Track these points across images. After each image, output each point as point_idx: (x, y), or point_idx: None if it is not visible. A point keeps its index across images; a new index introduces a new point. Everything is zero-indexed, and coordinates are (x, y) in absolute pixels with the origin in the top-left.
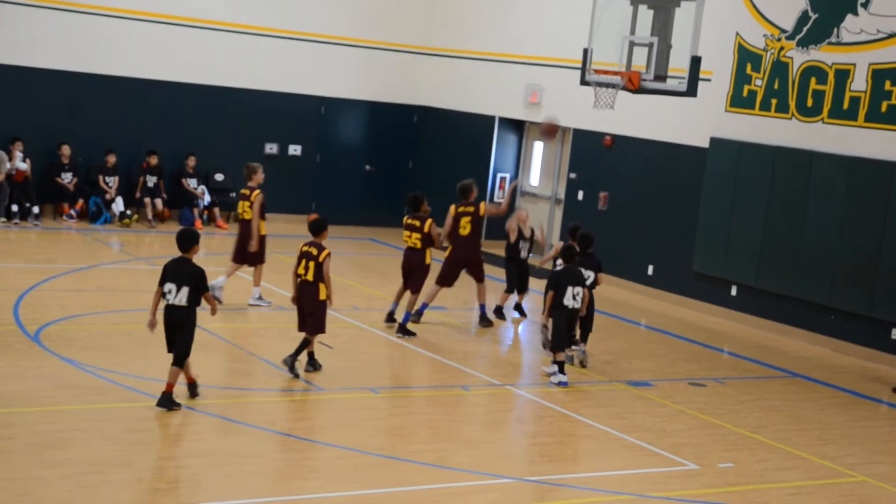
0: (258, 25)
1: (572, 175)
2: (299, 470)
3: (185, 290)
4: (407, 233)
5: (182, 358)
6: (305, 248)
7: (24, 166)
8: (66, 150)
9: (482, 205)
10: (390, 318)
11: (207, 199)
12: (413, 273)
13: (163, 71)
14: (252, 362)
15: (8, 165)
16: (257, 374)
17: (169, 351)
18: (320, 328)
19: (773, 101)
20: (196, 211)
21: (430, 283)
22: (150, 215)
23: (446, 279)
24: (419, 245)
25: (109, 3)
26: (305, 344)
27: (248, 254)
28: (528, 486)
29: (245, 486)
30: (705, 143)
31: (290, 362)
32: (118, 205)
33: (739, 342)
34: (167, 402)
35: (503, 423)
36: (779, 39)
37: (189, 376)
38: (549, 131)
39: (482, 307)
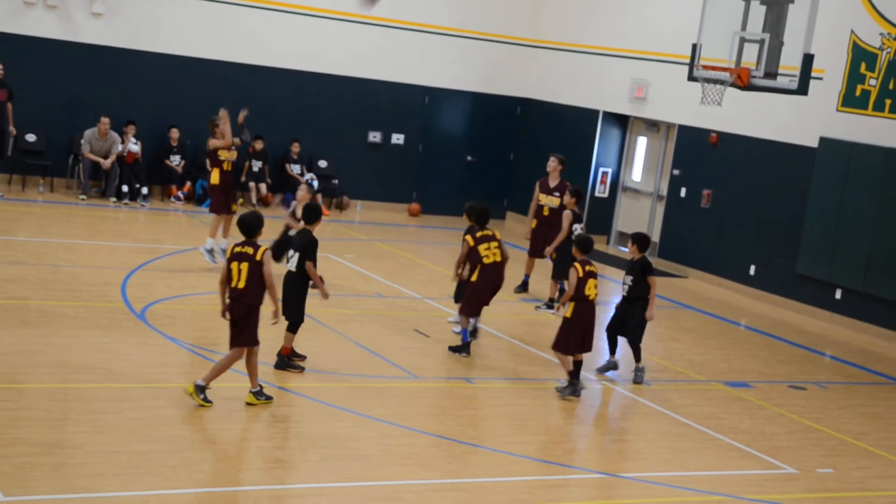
0: (365, 14)
1: (675, 171)
2: (393, 456)
3: (295, 256)
4: (485, 245)
5: (295, 324)
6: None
7: (136, 148)
8: (175, 133)
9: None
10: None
11: (315, 184)
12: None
13: (269, 57)
14: (349, 347)
15: (120, 147)
16: (353, 360)
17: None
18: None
19: (888, 102)
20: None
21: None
22: (254, 199)
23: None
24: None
25: None
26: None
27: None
28: (622, 483)
29: (340, 471)
30: (814, 143)
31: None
32: None
33: (843, 346)
34: (283, 363)
35: (598, 418)
36: (895, 38)
37: (286, 347)
38: None
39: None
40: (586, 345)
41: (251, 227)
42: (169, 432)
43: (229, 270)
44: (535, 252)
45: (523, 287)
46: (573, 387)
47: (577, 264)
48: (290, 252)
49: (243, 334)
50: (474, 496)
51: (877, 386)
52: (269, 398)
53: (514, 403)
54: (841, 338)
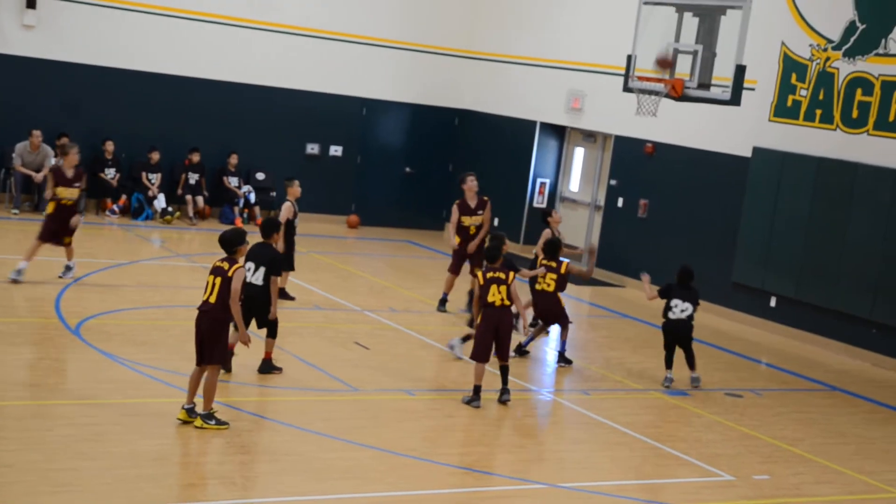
0: (302, 26)
1: (612, 182)
2: (333, 470)
3: (261, 270)
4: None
5: (274, 330)
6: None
7: None
8: (109, 146)
9: (522, 271)
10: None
11: (252, 197)
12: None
13: (207, 70)
14: (288, 361)
15: (52, 160)
16: (293, 373)
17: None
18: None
19: (818, 112)
20: (236, 209)
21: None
22: (191, 212)
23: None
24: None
25: (155, 0)
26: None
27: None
28: (561, 493)
29: (280, 485)
30: (748, 153)
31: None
32: (160, 201)
33: (778, 354)
34: (267, 367)
35: (538, 428)
36: (825, 49)
37: (268, 352)
38: (664, 65)
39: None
40: (499, 352)
41: (229, 243)
42: (105, 449)
43: (206, 283)
44: (457, 270)
45: (443, 304)
46: (475, 399)
47: (479, 271)
48: (249, 265)
49: (213, 352)
50: None
51: (811, 392)
52: (222, 424)
53: (453, 415)
54: (776, 345)
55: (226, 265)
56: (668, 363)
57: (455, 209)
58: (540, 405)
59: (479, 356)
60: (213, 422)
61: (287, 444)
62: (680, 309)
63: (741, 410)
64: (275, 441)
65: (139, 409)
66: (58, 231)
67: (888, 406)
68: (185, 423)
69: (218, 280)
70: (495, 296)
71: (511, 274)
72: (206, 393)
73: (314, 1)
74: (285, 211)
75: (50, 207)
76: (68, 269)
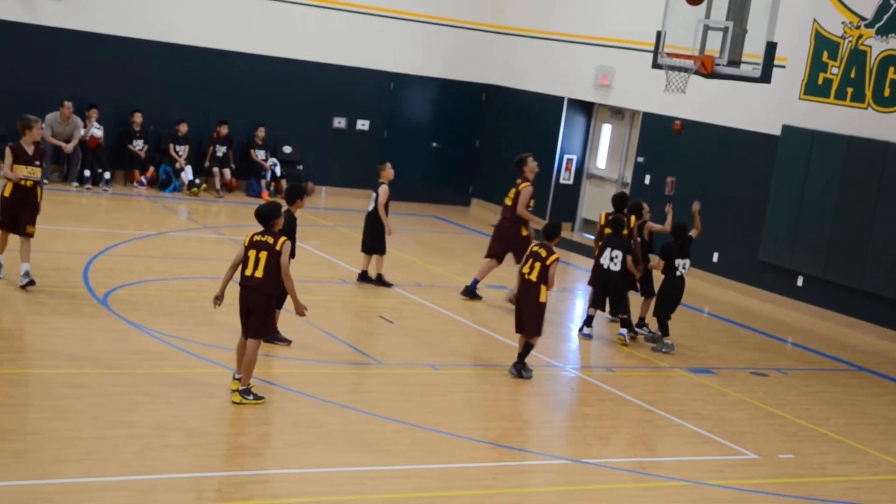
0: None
1: (640, 159)
2: (358, 443)
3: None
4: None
5: (281, 300)
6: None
7: (99, 133)
8: (138, 117)
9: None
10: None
11: (278, 170)
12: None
13: (235, 42)
14: (314, 334)
15: (82, 131)
16: (319, 347)
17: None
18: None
19: (849, 90)
20: (263, 182)
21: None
22: (217, 185)
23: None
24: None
25: None
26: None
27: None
28: (584, 468)
29: (304, 457)
30: (777, 131)
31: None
32: (187, 173)
33: (804, 333)
34: (271, 338)
35: (562, 404)
36: (857, 27)
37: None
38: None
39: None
40: (520, 326)
41: (266, 217)
42: (131, 418)
43: (246, 258)
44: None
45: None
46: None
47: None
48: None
49: (260, 327)
50: (438, 482)
51: (837, 372)
52: (259, 398)
53: (477, 390)
54: (802, 324)
55: (270, 239)
56: (664, 329)
57: (530, 192)
58: (564, 381)
59: (516, 327)
60: (251, 396)
61: (312, 417)
62: (682, 266)
63: (766, 389)
64: (300, 413)
65: (166, 380)
66: (18, 216)
67: None
68: (237, 403)
69: (263, 254)
70: (527, 269)
71: (553, 256)
72: (246, 367)
73: None
74: (383, 195)
75: (7, 189)
76: (27, 275)
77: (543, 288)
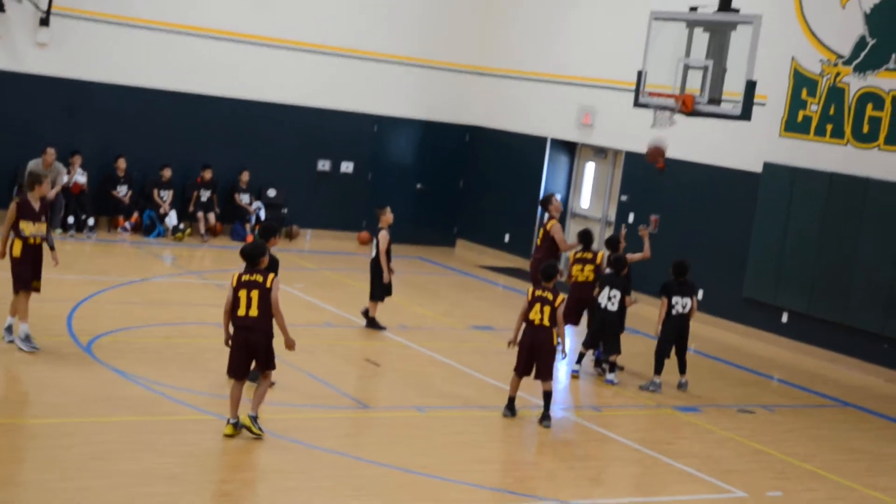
0: (313, 43)
1: (623, 197)
2: (344, 488)
3: None
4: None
5: None
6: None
7: (82, 179)
8: (122, 163)
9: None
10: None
11: (262, 214)
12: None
13: (218, 87)
14: (299, 377)
15: (66, 178)
16: (304, 390)
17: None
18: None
19: (829, 127)
20: (248, 226)
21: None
22: (202, 229)
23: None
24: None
25: (167, 18)
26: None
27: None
28: None
29: (289, 503)
30: (758, 168)
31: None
32: (171, 218)
33: (790, 370)
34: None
35: (549, 445)
36: (835, 65)
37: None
38: (654, 155)
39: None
40: (533, 371)
41: (252, 256)
42: (116, 467)
43: (237, 299)
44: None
45: None
46: (510, 410)
47: (530, 288)
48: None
49: (268, 361)
50: None
51: (823, 408)
52: (260, 431)
53: (464, 432)
54: (788, 361)
55: (259, 277)
56: (659, 368)
57: (559, 227)
58: (552, 423)
59: (516, 369)
60: (258, 426)
61: (297, 462)
62: (681, 305)
63: (753, 426)
64: (285, 458)
65: (150, 426)
66: (33, 275)
67: None
68: (230, 437)
69: (255, 293)
70: (537, 315)
71: (560, 297)
72: (258, 397)
73: (326, 19)
74: (383, 241)
75: (17, 249)
76: (16, 333)
77: (555, 332)
